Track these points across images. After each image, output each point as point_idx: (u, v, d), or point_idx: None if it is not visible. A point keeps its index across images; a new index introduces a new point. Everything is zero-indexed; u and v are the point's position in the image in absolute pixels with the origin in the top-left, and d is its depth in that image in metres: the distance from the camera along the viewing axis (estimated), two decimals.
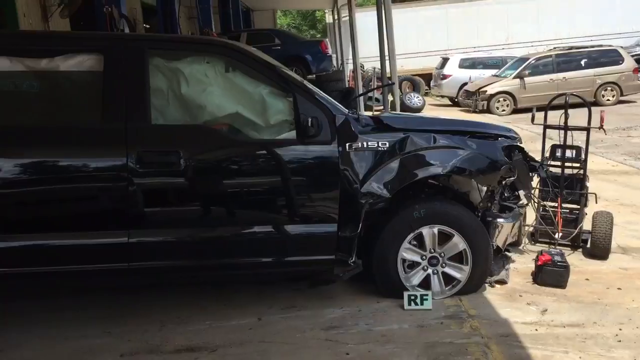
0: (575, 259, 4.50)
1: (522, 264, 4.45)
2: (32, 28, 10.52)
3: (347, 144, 3.63)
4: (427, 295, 3.73)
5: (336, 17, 21.54)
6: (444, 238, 3.82)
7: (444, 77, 18.84)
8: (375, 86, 12.94)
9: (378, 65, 15.11)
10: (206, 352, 3.34)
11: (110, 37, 4.47)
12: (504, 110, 15.43)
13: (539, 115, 5.14)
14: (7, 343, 3.56)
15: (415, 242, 3.81)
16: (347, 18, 21.24)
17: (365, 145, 3.67)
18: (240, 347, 3.39)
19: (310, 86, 3.82)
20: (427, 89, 21.02)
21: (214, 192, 3.58)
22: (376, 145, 3.68)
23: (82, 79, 3.58)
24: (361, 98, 10.11)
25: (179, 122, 3.66)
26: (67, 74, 3.56)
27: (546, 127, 5.07)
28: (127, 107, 3.48)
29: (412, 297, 3.72)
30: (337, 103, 3.82)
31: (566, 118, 4.87)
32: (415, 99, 16.75)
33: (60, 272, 3.46)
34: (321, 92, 3.83)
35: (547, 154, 4.91)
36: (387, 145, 3.69)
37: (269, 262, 3.65)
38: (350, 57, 19.58)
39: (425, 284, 3.85)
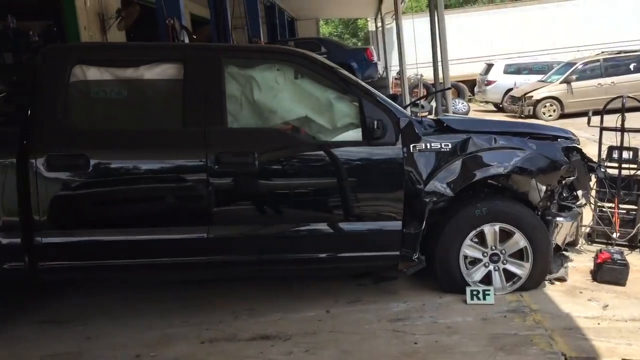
0: (633, 259, 4.56)
1: (580, 262, 4.54)
2: (92, 40, 11.05)
3: (411, 145, 3.82)
4: (489, 290, 3.87)
5: (379, 25, 21.74)
6: (505, 235, 3.96)
7: (489, 83, 18.79)
8: (424, 93, 13.05)
9: (420, 71, 15.28)
10: (280, 341, 3.56)
11: (190, 47, 4.77)
12: (550, 116, 15.32)
13: (594, 119, 5.22)
14: (100, 330, 3.86)
15: (476, 239, 3.96)
16: (390, 26, 21.44)
17: (428, 147, 3.85)
18: (312, 336, 3.60)
19: (375, 91, 4.02)
20: (470, 95, 20.98)
21: (286, 191, 3.81)
22: (439, 146, 3.85)
23: (164, 86, 3.87)
24: (404, 104, 10.24)
25: (253, 125, 3.91)
26: (151, 82, 3.86)
27: (602, 129, 5.15)
28: (205, 112, 3.74)
29: (475, 292, 3.86)
30: (399, 107, 4.01)
31: (623, 120, 4.94)
32: (459, 105, 16.79)
33: (150, 264, 3.75)
34: (384, 96, 4.03)
35: (603, 156, 4.99)
36: (450, 146, 3.86)
37: (338, 257, 3.86)
38: (392, 64, 19.80)
39: (486, 280, 4.00)
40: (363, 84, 4.04)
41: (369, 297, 4.12)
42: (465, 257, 3.96)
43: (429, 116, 4.54)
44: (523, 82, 17.54)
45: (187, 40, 7.69)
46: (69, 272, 3.80)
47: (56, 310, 4.28)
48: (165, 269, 3.88)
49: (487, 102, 19.63)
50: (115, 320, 4.01)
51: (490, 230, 3.93)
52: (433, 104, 13.81)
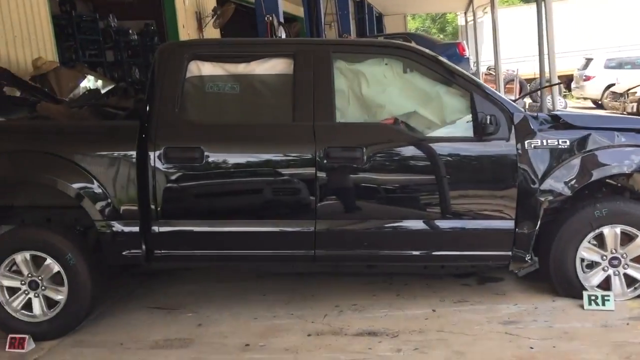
0: None
1: None
2: (189, 38, 11.43)
3: (525, 141, 3.67)
4: (608, 296, 3.66)
5: (470, 18, 21.19)
6: (626, 239, 3.73)
7: (587, 78, 17.89)
8: (520, 88, 12.58)
9: (513, 66, 14.74)
10: (388, 337, 3.53)
11: (299, 42, 4.82)
12: None
13: None
14: (207, 318, 3.98)
15: (595, 242, 3.76)
16: (481, 19, 20.84)
17: (544, 143, 3.68)
18: (420, 334, 3.54)
19: (486, 85, 3.90)
20: (565, 92, 20.04)
21: (394, 186, 3.76)
22: (556, 142, 3.68)
23: (274, 81, 3.92)
24: None
25: (360, 120, 3.89)
26: (262, 77, 3.92)
27: None
28: (315, 106, 3.76)
29: (593, 297, 3.66)
30: (512, 101, 3.87)
31: None
32: (557, 102, 16.06)
33: (258, 256, 3.83)
34: (496, 91, 3.89)
35: None
36: (568, 143, 3.68)
37: (446, 255, 3.78)
38: (482, 58, 19.21)
39: (605, 284, 3.78)
40: (474, 77, 3.92)
41: (476, 298, 4.00)
42: (582, 260, 3.76)
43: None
44: (625, 78, 16.55)
45: (284, 36, 7.81)
46: (182, 260, 3.95)
47: (166, 297, 4.46)
48: (272, 261, 3.95)
49: (585, 98, 18.68)
50: (223, 309, 4.12)
51: (610, 232, 3.71)
52: (527, 100, 13.32)
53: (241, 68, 3.93)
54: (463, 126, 3.76)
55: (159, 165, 3.72)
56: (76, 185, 3.73)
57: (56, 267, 3.78)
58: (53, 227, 3.87)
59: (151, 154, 3.72)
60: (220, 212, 3.82)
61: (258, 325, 3.84)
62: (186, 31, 11.13)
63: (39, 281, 3.81)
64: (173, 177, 3.75)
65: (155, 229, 3.77)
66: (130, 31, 13.83)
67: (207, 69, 3.91)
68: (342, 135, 3.78)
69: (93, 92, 4.85)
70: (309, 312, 3.95)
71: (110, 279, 4.37)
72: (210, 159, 3.73)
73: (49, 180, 3.75)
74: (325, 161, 3.68)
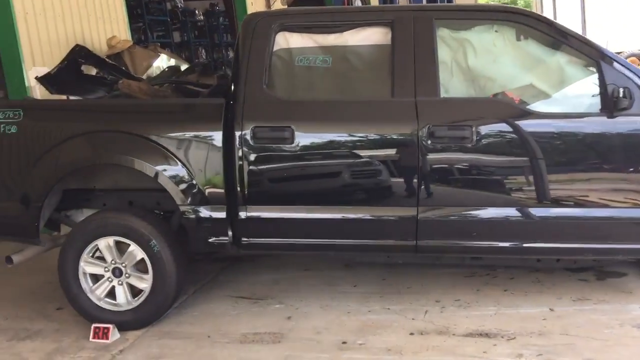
0: None
1: None
2: None
3: None
4: None
5: None
6: None
7: None
8: None
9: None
10: (503, 340, 3.15)
11: (398, 9, 4.42)
12: None
13: None
14: (296, 311, 3.70)
15: None
16: None
17: None
18: (541, 337, 3.14)
19: (616, 54, 3.40)
20: None
21: (509, 169, 3.34)
22: None
23: (370, 52, 3.55)
24: None
25: (467, 95, 3.48)
26: (356, 48, 3.56)
27: None
28: (416, 80, 3.38)
29: None
30: None
31: None
32: None
33: (352, 245, 3.51)
34: (627, 61, 3.40)
35: None
36: None
37: (569, 248, 3.34)
38: None
39: None
40: (601, 46, 3.43)
41: (598, 296, 3.56)
42: None
43: None
44: None
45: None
46: (269, 248, 3.67)
47: (249, 285, 4.22)
48: (368, 251, 3.62)
49: None
50: (312, 300, 3.84)
51: None
52: None
53: (333, 39, 3.57)
54: (588, 101, 3.30)
55: (246, 146, 3.43)
56: (159, 167, 3.50)
57: (140, 254, 3.58)
58: (136, 212, 3.66)
59: (237, 133, 3.44)
60: (312, 197, 3.51)
61: (352, 320, 3.53)
62: (254, 9, 10.88)
63: (123, 268, 3.63)
64: (261, 159, 3.46)
65: (242, 214, 3.50)
66: (197, 12, 13.74)
67: (296, 40, 3.57)
68: (448, 112, 3.38)
69: (173, 69, 4.63)
70: (408, 308, 3.61)
71: (189, 264, 4.17)
72: (301, 140, 3.41)
73: (130, 162, 3.53)
74: (428, 141, 3.30)
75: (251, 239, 3.53)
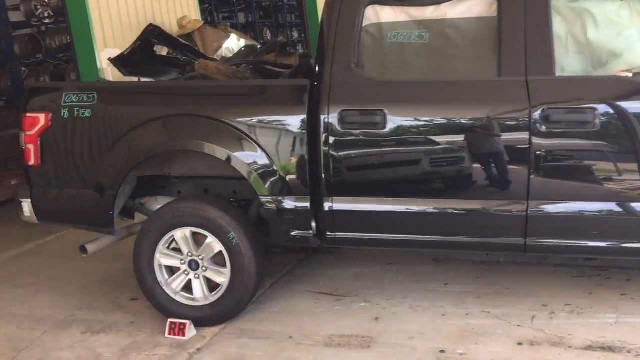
0: None
1: None
2: None
3: None
4: None
5: None
6: None
7: None
8: None
9: None
10: (631, 356, 2.74)
11: None
12: None
13: None
14: (384, 311, 3.40)
15: None
16: None
17: None
18: None
19: None
20: None
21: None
22: None
23: (473, 26, 3.14)
24: None
25: (587, 73, 3.04)
26: (456, 22, 3.16)
27: None
28: (527, 57, 2.96)
29: None
30: None
31: None
32: None
33: (452, 243, 3.15)
34: None
35: None
36: None
37: None
38: None
39: None
40: None
41: None
42: None
43: None
44: None
45: None
46: (355, 243, 3.36)
47: (330, 280, 3.94)
48: (466, 249, 3.27)
49: None
50: (400, 299, 3.52)
51: None
52: None
53: (430, 12, 3.18)
54: None
55: (332, 131, 3.12)
56: (238, 154, 3.24)
57: (218, 247, 3.35)
58: (215, 202, 3.43)
59: (323, 118, 3.13)
60: (405, 188, 3.16)
61: (449, 324, 3.19)
62: None
63: (200, 261, 3.41)
64: (349, 146, 3.14)
65: (327, 206, 3.20)
66: None
67: (388, 14, 3.21)
68: (565, 93, 2.96)
69: (249, 49, 4.36)
70: (511, 312, 3.24)
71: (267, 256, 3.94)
72: (394, 125, 3.07)
73: (208, 149, 3.29)
74: (542, 126, 2.89)
75: (336, 233, 3.22)
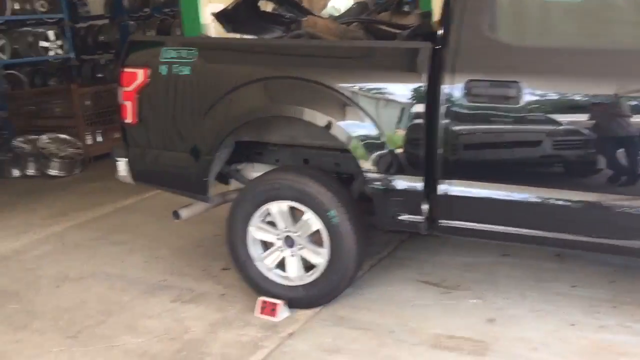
0: None
1: None
2: None
3: None
4: None
5: None
6: None
7: None
8: None
9: None
10: None
11: None
12: None
13: None
14: (500, 312, 2.98)
15: None
16: None
17: None
18: None
19: None
20: None
21: None
22: None
23: None
24: None
25: None
26: None
27: None
28: None
29: None
30: None
31: None
32: None
33: (593, 244, 2.66)
34: None
35: None
36: None
37: None
38: None
39: None
40: None
41: None
42: None
43: None
44: None
45: None
46: (476, 235, 2.90)
47: (435, 268, 3.56)
48: (611, 252, 2.75)
49: None
50: (518, 299, 3.09)
51: None
52: None
53: None
54: None
55: (456, 104, 2.68)
56: (342, 123, 2.89)
57: (316, 224, 3.05)
58: (316, 175, 3.11)
59: (446, 87, 2.69)
60: (540, 175, 2.67)
61: (579, 337, 2.73)
62: None
63: (296, 238, 3.13)
64: (474, 122, 2.69)
65: (443, 189, 2.79)
66: None
67: None
68: None
69: (361, 6, 3.95)
70: None
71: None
72: (530, 99, 2.58)
73: (307, 114, 2.96)
74: None
75: (451, 222, 2.81)
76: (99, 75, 9.31)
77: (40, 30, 7.67)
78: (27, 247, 4.45)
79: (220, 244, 4.16)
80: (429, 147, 2.77)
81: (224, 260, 3.84)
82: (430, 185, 2.81)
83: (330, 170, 3.28)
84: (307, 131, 3.21)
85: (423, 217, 2.86)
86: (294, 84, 3.00)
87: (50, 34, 7.70)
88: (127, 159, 3.52)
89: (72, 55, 8.05)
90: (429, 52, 2.74)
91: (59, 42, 7.82)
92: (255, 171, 3.59)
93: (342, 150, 3.10)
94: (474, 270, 3.48)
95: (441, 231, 2.87)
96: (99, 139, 7.11)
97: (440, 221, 2.83)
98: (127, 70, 3.41)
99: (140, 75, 3.35)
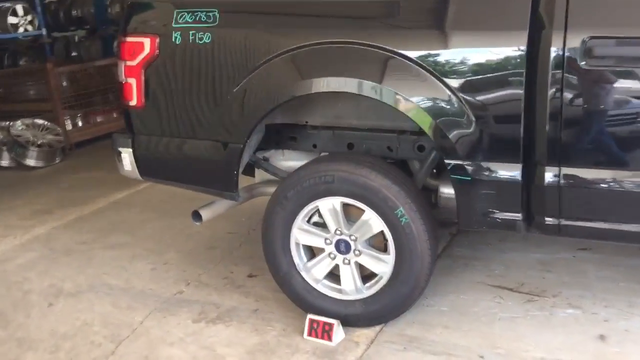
0: None
1: None
2: None
3: None
4: None
5: None
6: None
7: None
8: None
9: None
10: None
11: None
12: None
13: None
14: (606, 325, 2.44)
15: None
16: None
17: None
18: None
19: None
20: None
21: None
22: None
23: None
24: None
25: None
26: None
27: None
28: None
29: None
30: None
31: None
32: None
33: None
34: None
35: None
36: None
37: None
38: None
39: None
40: None
41: None
42: None
43: None
44: None
45: None
46: (599, 236, 2.32)
47: (506, 269, 3.01)
48: None
49: None
50: (626, 308, 2.56)
51: None
52: None
53: None
54: None
55: (569, 68, 2.08)
56: (415, 98, 2.28)
57: (378, 225, 2.45)
58: (376, 164, 2.50)
59: (554, 48, 2.08)
60: None
61: None
62: None
63: (352, 242, 2.54)
64: (596, 92, 2.10)
65: (551, 179, 2.20)
66: None
67: None
68: None
69: None
70: None
71: None
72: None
73: (366, 88, 2.34)
74: None
75: (563, 220, 2.22)
76: (74, 53, 8.51)
77: (8, 4, 6.84)
78: (7, 255, 3.78)
79: (237, 244, 3.60)
80: (530, 125, 2.18)
81: (248, 265, 3.28)
82: (531, 174, 2.22)
83: (381, 155, 2.68)
84: (360, 110, 2.60)
85: (520, 215, 2.28)
86: (349, 51, 2.37)
87: (19, 8, 6.86)
88: (132, 150, 2.86)
89: (43, 31, 7.24)
90: (529, 3, 2.13)
91: (29, 18, 6.99)
92: (286, 159, 3.00)
93: (399, 131, 2.53)
94: (553, 270, 2.93)
95: (545, 231, 2.29)
96: (80, 123, 6.38)
97: (547, 219, 2.24)
98: (129, 39, 2.74)
99: (147, 45, 2.69)
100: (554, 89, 2.11)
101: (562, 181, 2.17)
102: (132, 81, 2.75)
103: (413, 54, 2.27)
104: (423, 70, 2.26)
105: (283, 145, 2.94)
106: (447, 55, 2.25)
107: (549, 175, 2.19)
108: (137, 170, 2.89)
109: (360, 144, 2.75)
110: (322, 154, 2.85)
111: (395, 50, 2.30)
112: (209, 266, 3.39)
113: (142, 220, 4.21)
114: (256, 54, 2.51)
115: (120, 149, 2.90)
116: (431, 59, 2.25)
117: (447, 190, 2.59)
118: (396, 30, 2.36)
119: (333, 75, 2.43)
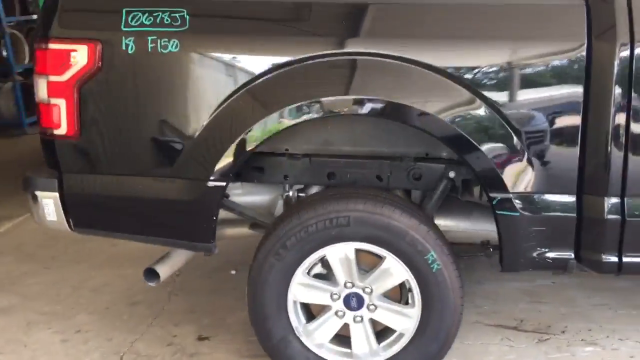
0: None
1: None
2: None
3: None
4: None
5: None
6: None
7: None
8: None
9: None
10: None
11: None
12: None
13: None
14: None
15: None
16: None
17: None
18: None
19: None
20: None
21: None
22: None
23: None
24: None
25: None
26: None
27: None
28: None
29: None
30: None
31: None
32: None
33: None
34: None
35: None
36: None
37: None
38: None
39: None
40: None
41: None
42: None
43: None
44: None
45: None
46: None
47: (496, 304, 2.78)
48: None
49: None
50: (636, 338, 2.43)
51: None
52: None
53: None
54: None
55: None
56: (446, 116, 1.92)
57: (402, 274, 2.05)
58: (396, 201, 2.09)
59: (620, 56, 1.84)
60: None
61: None
62: None
63: (365, 296, 2.10)
64: None
65: (611, 209, 1.95)
66: None
67: None
68: None
69: None
70: None
71: None
72: None
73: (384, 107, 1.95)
74: None
75: (628, 257, 2.00)
76: None
77: None
78: None
79: (164, 294, 3.02)
80: (587, 152, 1.93)
81: (191, 324, 2.73)
82: (589, 206, 1.98)
83: (368, 185, 2.27)
84: (355, 134, 2.20)
85: (572, 254, 2.02)
86: (367, 64, 1.95)
87: None
88: (58, 194, 2.12)
89: None
90: (584, 5, 1.89)
91: None
92: (245, 194, 2.45)
93: (394, 158, 2.21)
94: (543, 301, 2.76)
95: (602, 270, 2.05)
96: None
97: (604, 257, 2.00)
98: (54, 46, 2.02)
99: (83, 54, 2.00)
100: (617, 110, 1.88)
101: (626, 213, 1.95)
102: (60, 102, 2.04)
103: (452, 66, 1.91)
104: (462, 86, 1.92)
105: (244, 178, 2.38)
106: (483, 65, 1.92)
107: (608, 206, 1.96)
108: (65, 221, 2.16)
109: (343, 174, 2.30)
110: (295, 187, 2.38)
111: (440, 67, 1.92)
112: (139, 329, 2.70)
113: (22, 273, 3.33)
114: (245, 67, 1.98)
115: (39, 193, 2.14)
116: (473, 72, 1.91)
117: (444, 222, 2.31)
118: (430, 38, 1.98)
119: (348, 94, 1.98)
